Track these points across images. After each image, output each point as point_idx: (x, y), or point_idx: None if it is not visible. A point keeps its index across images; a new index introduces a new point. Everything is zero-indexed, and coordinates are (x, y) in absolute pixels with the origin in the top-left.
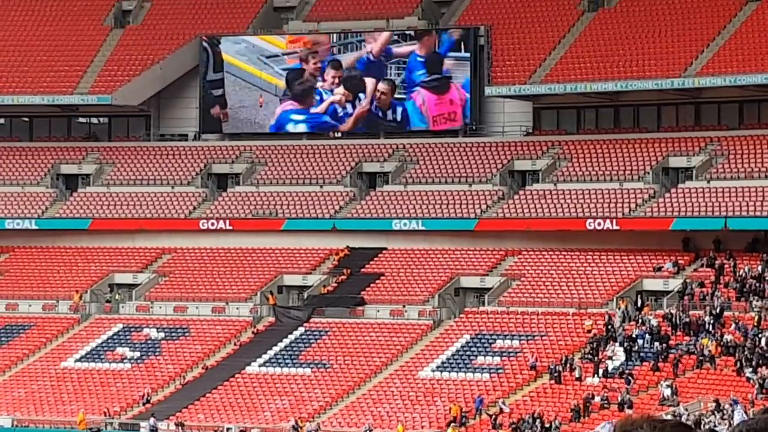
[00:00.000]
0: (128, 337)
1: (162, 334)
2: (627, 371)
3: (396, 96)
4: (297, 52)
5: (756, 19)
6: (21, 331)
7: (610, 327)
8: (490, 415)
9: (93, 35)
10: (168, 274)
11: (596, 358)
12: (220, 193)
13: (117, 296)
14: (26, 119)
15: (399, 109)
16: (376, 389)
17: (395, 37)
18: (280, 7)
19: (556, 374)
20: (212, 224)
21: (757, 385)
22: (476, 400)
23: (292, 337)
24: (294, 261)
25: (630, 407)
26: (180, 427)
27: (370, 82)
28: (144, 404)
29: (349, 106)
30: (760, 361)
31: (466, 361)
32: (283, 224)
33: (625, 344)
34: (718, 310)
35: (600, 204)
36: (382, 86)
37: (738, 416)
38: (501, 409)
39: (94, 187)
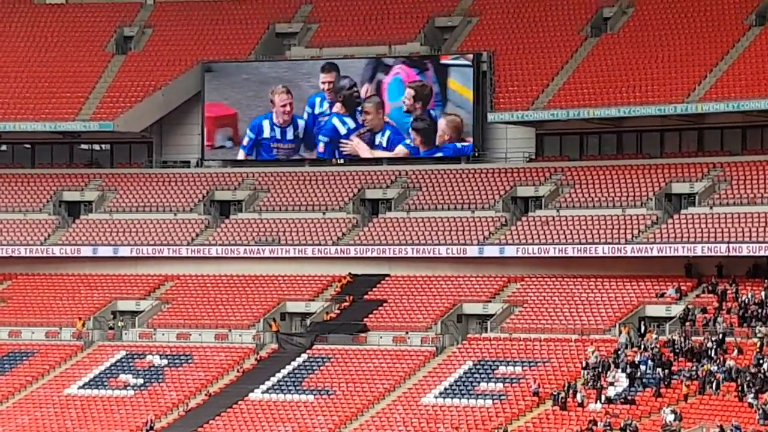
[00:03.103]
0: (131, 364)
1: (165, 361)
2: (629, 397)
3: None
4: None
5: (759, 45)
6: (24, 358)
7: (616, 354)
8: None
9: (95, 61)
10: (171, 301)
11: (599, 384)
12: (223, 220)
13: (120, 323)
14: (28, 146)
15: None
16: (379, 416)
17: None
18: (282, 33)
19: (559, 400)
20: (215, 251)
21: (760, 411)
22: None
23: (295, 363)
24: (297, 288)
25: None
26: None
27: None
28: (147, 431)
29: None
30: (763, 387)
31: (468, 388)
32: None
33: (628, 370)
34: (720, 336)
35: (603, 230)
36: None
37: None
38: None
39: (97, 214)
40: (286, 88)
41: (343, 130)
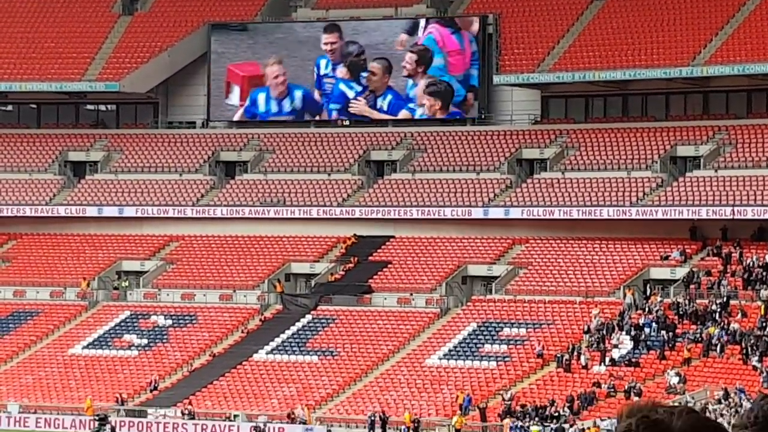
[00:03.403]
0: (135, 325)
1: (169, 322)
2: (634, 359)
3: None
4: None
5: (765, 9)
6: (28, 317)
7: (620, 316)
8: (482, 409)
9: (101, 22)
10: (175, 262)
11: (603, 346)
12: (228, 181)
13: (124, 283)
14: (34, 106)
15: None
16: (383, 377)
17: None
18: None
19: (563, 362)
20: (220, 212)
21: (764, 374)
22: (465, 399)
23: (299, 324)
24: (301, 249)
25: (638, 395)
26: (187, 414)
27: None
28: (151, 391)
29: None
30: (767, 350)
31: (473, 349)
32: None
33: (632, 332)
34: (724, 299)
35: (607, 193)
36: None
37: (748, 405)
38: (503, 397)
39: (102, 174)
40: (278, 59)
41: (351, 94)
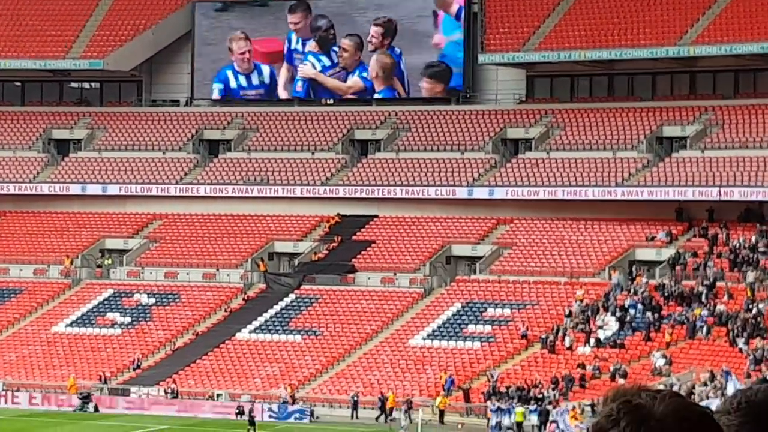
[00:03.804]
0: (119, 303)
1: (153, 300)
2: (619, 341)
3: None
4: None
5: None
6: (12, 295)
7: (606, 297)
8: (465, 390)
9: (85, 0)
10: (159, 240)
11: (588, 327)
12: (212, 159)
13: (108, 261)
14: (18, 83)
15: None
16: (367, 357)
17: None
18: None
19: (548, 344)
20: (203, 190)
21: (751, 356)
22: (447, 380)
23: (282, 303)
24: (285, 228)
25: (624, 377)
26: (170, 393)
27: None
28: (134, 369)
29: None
30: (753, 332)
31: (456, 330)
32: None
33: (617, 314)
34: (711, 281)
35: (593, 173)
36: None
37: (731, 387)
38: (490, 377)
39: (86, 152)
40: (244, 35)
41: (317, 67)
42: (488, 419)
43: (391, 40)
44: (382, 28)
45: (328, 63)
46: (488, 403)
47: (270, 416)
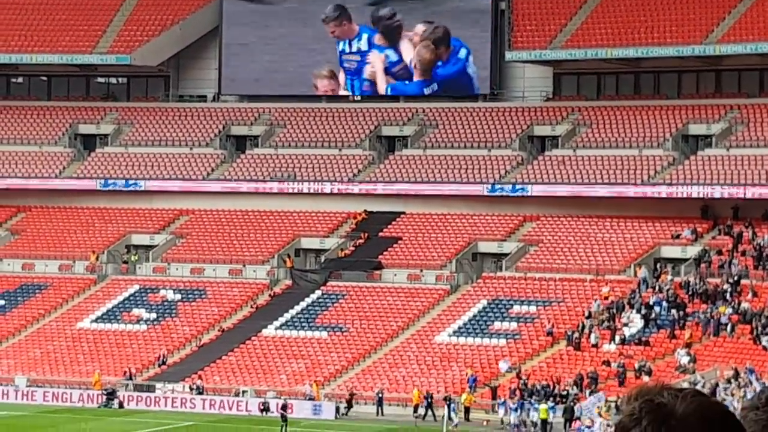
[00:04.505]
0: (144, 299)
1: (178, 296)
2: (644, 338)
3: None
4: None
5: None
6: (37, 291)
7: (632, 294)
8: (492, 388)
9: None
10: (185, 236)
11: (613, 324)
12: (239, 155)
13: (134, 257)
14: (45, 78)
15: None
16: (393, 353)
17: None
18: None
19: (573, 340)
20: (230, 186)
21: None
22: (469, 379)
23: (308, 300)
24: (312, 224)
25: (648, 374)
26: (195, 390)
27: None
28: (159, 366)
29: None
30: None
31: (482, 326)
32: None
33: (643, 311)
34: (735, 278)
35: (619, 170)
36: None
37: (757, 384)
38: (514, 370)
39: (112, 147)
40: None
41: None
42: (503, 418)
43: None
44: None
45: (395, 57)
46: (508, 400)
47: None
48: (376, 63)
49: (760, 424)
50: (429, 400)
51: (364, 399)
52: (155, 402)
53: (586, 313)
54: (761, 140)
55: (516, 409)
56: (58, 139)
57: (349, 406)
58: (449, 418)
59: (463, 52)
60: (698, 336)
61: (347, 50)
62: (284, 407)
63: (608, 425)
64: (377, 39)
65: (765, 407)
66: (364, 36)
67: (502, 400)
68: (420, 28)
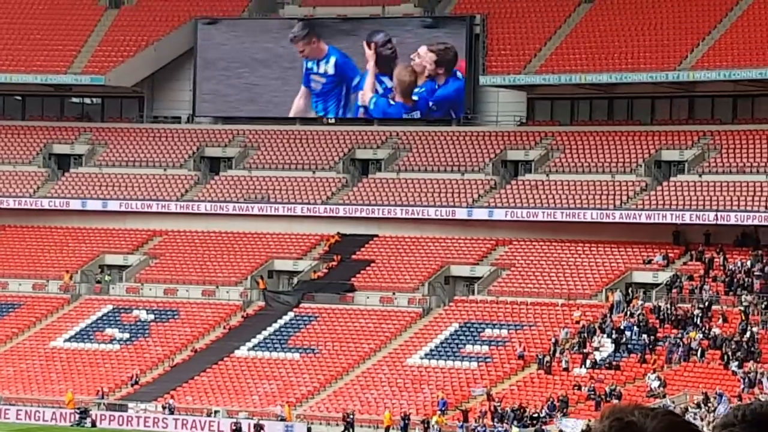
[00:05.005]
0: (117, 319)
1: (151, 316)
2: (615, 362)
3: None
4: None
5: (752, 14)
6: (10, 309)
7: (603, 319)
8: (464, 410)
9: (88, 15)
10: (159, 257)
11: (584, 349)
12: (212, 177)
13: (107, 277)
14: (19, 98)
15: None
16: (365, 375)
17: None
18: None
19: (544, 364)
20: (204, 207)
21: (745, 379)
22: (440, 403)
23: (281, 321)
24: (285, 246)
25: (618, 398)
26: (168, 410)
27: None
28: (132, 385)
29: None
30: (747, 355)
31: (454, 349)
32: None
33: (613, 335)
34: (706, 304)
35: (592, 195)
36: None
37: (722, 408)
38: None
39: (86, 167)
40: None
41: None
42: None
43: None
44: (435, 55)
45: (390, 84)
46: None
47: None
48: (366, 92)
49: None
50: (406, 422)
51: (335, 421)
52: (128, 421)
53: (553, 341)
54: (734, 166)
55: None
56: (32, 158)
57: (349, 428)
58: None
59: (460, 74)
60: (662, 363)
61: (315, 70)
62: (259, 428)
63: None
64: (370, 66)
65: (741, 424)
66: (332, 59)
67: (475, 425)
68: (423, 49)
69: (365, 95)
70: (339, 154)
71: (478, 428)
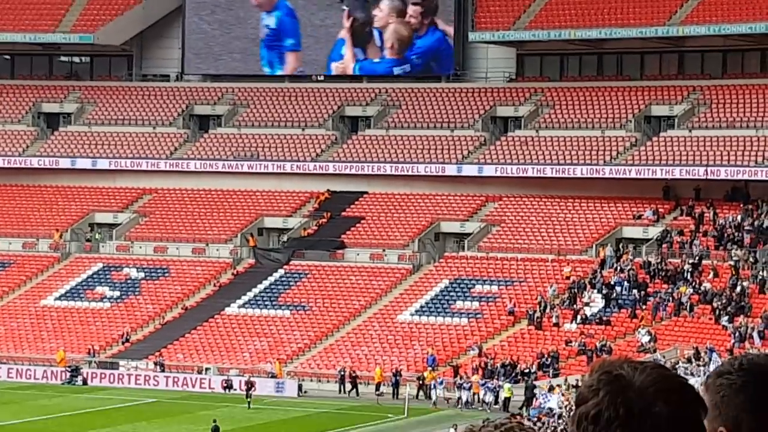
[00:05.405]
0: (108, 277)
1: (142, 274)
2: (605, 318)
3: None
4: None
5: None
6: (0, 268)
7: (593, 274)
8: (455, 366)
9: None
10: (148, 215)
11: (574, 305)
12: (202, 135)
13: (97, 235)
14: (8, 57)
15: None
16: (355, 332)
17: None
18: None
19: (534, 320)
20: (194, 165)
21: (735, 334)
22: (428, 359)
23: (271, 279)
24: (275, 203)
25: (609, 353)
26: (159, 367)
27: None
28: (123, 343)
29: None
30: (737, 310)
31: (444, 306)
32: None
33: (604, 291)
34: (696, 259)
35: (581, 151)
36: None
37: (714, 364)
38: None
39: (76, 126)
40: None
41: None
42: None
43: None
44: (421, 7)
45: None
46: (474, 377)
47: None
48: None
49: (733, 388)
50: (397, 378)
51: (326, 377)
52: (119, 379)
53: (538, 299)
54: (723, 121)
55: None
56: (21, 117)
57: (354, 386)
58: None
59: (441, 24)
60: (649, 318)
61: (264, 21)
62: (250, 386)
63: (568, 403)
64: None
65: (738, 372)
66: (278, 14)
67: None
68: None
69: (346, 66)
70: (328, 112)
71: (464, 384)
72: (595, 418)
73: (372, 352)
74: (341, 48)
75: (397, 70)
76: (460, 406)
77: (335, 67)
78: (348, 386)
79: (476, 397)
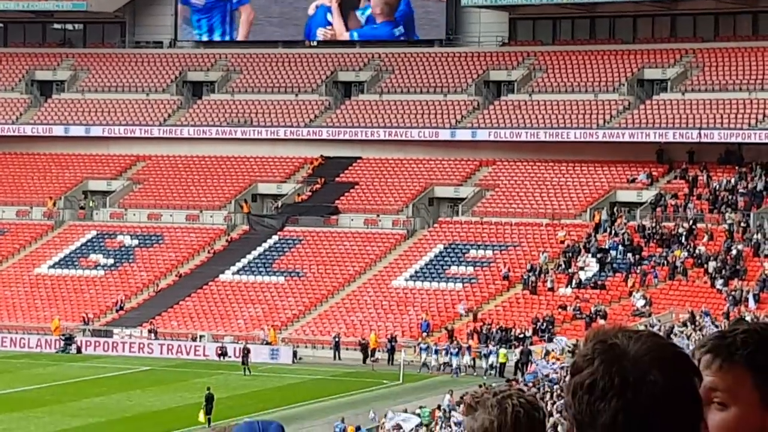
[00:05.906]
0: (102, 244)
1: (136, 241)
2: (600, 282)
3: None
4: None
5: None
6: None
7: (587, 238)
8: (449, 330)
9: None
10: (142, 182)
11: (569, 269)
12: (195, 101)
13: (91, 203)
14: (0, 24)
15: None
16: (350, 298)
17: None
18: None
19: (529, 284)
20: (187, 132)
21: (730, 297)
22: (422, 325)
23: (265, 245)
24: (268, 169)
25: (604, 318)
26: (153, 334)
27: None
28: (117, 311)
29: None
30: (732, 273)
31: (439, 271)
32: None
33: (598, 255)
34: (691, 222)
35: (575, 115)
36: None
37: (708, 329)
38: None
39: (69, 93)
40: None
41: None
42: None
43: None
44: None
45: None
46: (471, 342)
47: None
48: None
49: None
50: (392, 343)
51: (321, 344)
52: (113, 347)
53: (528, 266)
54: (716, 84)
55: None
56: (14, 85)
57: (367, 354)
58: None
59: None
60: (647, 281)
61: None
62: (246, 352)
63: (562, 367)
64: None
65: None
66: None
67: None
68: None
69: (339, 32)
70: (321, 77)
71: (452, 349)
72: (590, 387)
73: (366, 318)
74: (324, 14)
75: (396, 32)
76: (452, 372)
77: (323, 33)
78: (360, 355)
79: (474, 361)
